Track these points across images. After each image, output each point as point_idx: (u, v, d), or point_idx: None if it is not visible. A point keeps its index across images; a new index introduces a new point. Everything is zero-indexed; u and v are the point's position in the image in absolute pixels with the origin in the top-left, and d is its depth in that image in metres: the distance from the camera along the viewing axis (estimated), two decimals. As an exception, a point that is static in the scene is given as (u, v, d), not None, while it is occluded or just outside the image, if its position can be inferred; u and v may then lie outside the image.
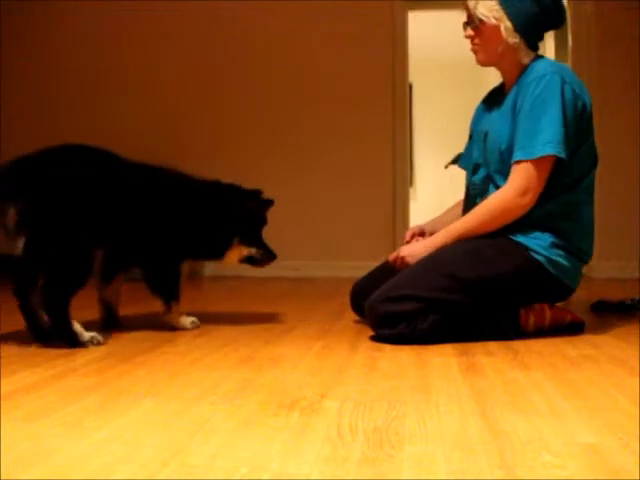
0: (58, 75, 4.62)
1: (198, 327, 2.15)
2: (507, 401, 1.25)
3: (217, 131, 4.50)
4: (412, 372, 1.51)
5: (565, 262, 1.94)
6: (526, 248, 1.92)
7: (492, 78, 5.81)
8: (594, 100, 4.41)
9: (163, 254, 2.10)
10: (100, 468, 0.91)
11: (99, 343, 1.85)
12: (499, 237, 1.93)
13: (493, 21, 1.97)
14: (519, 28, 1.97)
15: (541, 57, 2.05)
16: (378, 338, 1.90)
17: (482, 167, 2.07)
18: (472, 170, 2.13)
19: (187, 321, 2.15)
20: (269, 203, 2.25)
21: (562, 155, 1.86)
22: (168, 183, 2.14)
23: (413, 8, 4.67)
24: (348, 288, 2.31)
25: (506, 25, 1.97)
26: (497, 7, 1.97)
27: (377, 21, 4.34)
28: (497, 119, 2.04)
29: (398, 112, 4.33)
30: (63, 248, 1.82)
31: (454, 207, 2.32)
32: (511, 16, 1.96)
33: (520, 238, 1.93)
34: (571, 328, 2.03)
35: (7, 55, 4.62)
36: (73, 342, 1.82)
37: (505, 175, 1.94)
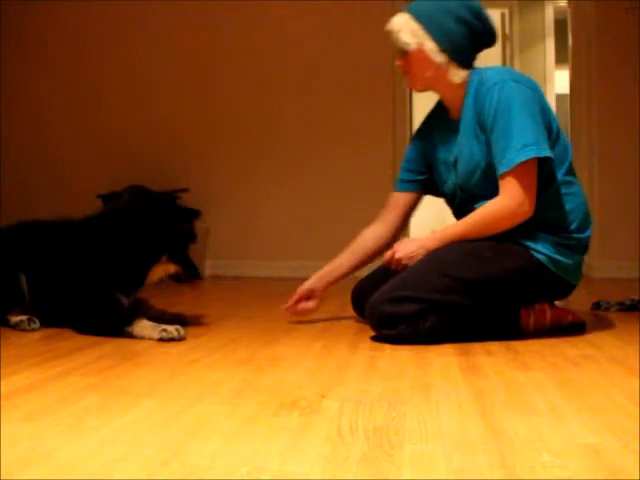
0: (58, 75, 4.62)
1: (174, 340, 1.90)
2: (507, 401, 1.25)
3: (214, 129, 4.50)
4: (412, 372, 1.51)
5: (567, 260, 1.94)
6: (528, 247, 1.92)
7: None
8: (593, 100, 4.39)
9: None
10: (100, 468, 0.91)
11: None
12: (500, 238, 1.93)
13: (415, 46, 1.99)
14: (445, 48, 1.97)
15: (479, 69, 2.02)
16: (379, 338, 1.90)
17: (462, 192, 2.06)
18: (452, 197, 2.12)
19: (154, 331, 1.93)
20: (195, 214, 2.18)
21: (544, 153, 1.85)
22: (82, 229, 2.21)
23: (413, 8, 4.66)
24: (348, 288, 2.31)
25: (429, 47, 1.97)
26: (420, 31, 1.98)
27: (377, 21, 4.33)
28: (462, 144, 2.01)
29: (398, 112, 4.33)
30: None
31: (346, 253, 2.26)
32: (435, 37, 1.97)
33: (521, 239, 1.93)
34: (572, 328, 2.03)
35: (7, 55, 4.62)
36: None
37: (491, 192, 1.92)
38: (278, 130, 4.45)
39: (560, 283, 1.97)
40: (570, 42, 4.38)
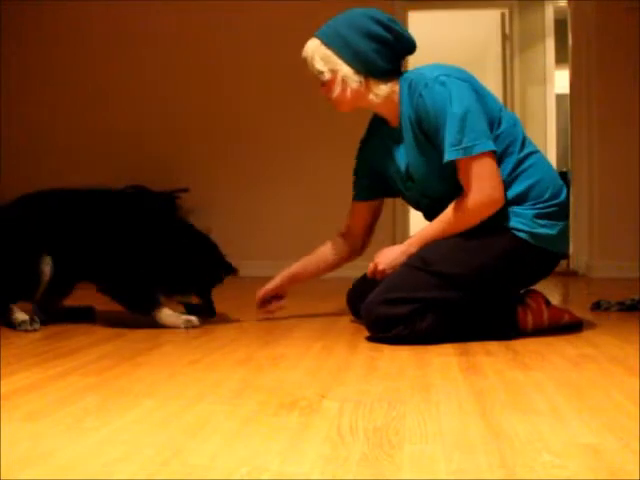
0: (58, 75, 4.62)
1: (195, 327, 2.15)
2: (507, 401, 1.25)
3: (215, 129, 4.50)
4: (412, 372, 1.51)
5: (550, 230, 1.91)
6: (508, 228, 1.90)
7: (490, 77, 5.82)
8: (593, 100, 4.39)
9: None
10: (100, 468, 0.91)
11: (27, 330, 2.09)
12: (480, 225, 1.90)
13: (329, 75, 1.97)
14: (360, 69, 1.95)
15: (407, 73, 2.00)
16: (376, 339, 1.89)
17: (425, 198, 2.05)
18: (416, 203, 2.12)
19: (179, 319, 2.16)
20: (234, 271, 2.33)
21: (489, 146, 1.83)
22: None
23: (413, 8, 4.67)
24: (348, 288, 2.31)
25: (344, 72, 1.95)
26: (332, 57, 1.96)
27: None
28: (410, 153, 1.99)
29: (398, 112, 4.32)
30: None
31: (313, 258, 2.30)
32: (348, 60, 1.94)
33: (500, 222, 1.90)
34: (569, 328, 2.03)
35: (7, 55, 4.62)
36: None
37: (454, 190, 1.90)
38: (280, 130, 4.45)
39: (547, 256, 1.95)
40: (570, 42, 4.38)
